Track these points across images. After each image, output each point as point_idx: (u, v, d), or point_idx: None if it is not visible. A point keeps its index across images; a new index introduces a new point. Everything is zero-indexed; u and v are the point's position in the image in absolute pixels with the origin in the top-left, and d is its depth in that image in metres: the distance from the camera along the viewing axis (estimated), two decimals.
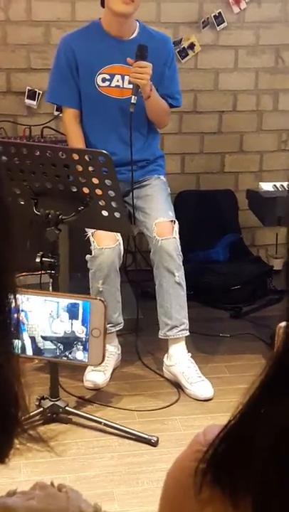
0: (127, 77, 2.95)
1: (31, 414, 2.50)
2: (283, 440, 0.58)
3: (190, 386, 2.87)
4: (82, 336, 1.11)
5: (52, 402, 2.57)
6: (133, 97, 2.84)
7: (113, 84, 2.99)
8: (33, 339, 1.15)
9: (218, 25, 3.86)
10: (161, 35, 3.12)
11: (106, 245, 2.84)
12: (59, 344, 1.13)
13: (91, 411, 2.72)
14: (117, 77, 2.99)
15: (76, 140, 3.02)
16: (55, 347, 1.14)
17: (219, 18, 3.85)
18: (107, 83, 2.99)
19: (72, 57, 2.97)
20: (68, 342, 1.14)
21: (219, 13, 3.84)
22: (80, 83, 2.99)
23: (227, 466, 0.62)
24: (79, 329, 1.10)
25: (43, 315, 1.12)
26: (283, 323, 0.61)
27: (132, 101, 2.84)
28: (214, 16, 3.84)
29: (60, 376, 2.66)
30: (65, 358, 1.13)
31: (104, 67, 2.97)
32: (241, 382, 2.61)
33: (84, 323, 1.11)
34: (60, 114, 3.74)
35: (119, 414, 2.73)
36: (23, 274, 3.20)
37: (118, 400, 2.84)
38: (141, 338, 3.22)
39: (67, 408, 2.60)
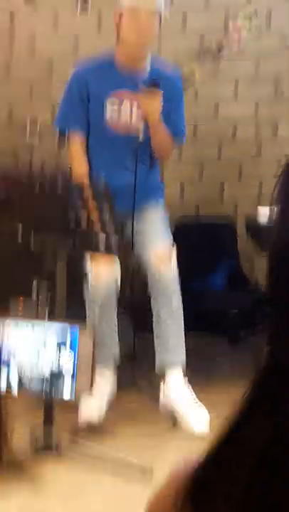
0: (135, 110, 2.99)
1: (24, 444, 2.47)
2: (263, 465, 0.57)
3: (186, 415, 2.86)
4: (70, 364, 1.12)
5: (46, 431, 2.55)
6: (141, 135, 2.89)
7: (122, 111, 3.02)
8: (19, 374, 1.16)
9: (218, 56, 3.91)
10: (172, 73, 3.19)
11: (103, 276, 2.86)
12: (45, 379, 1.14)
13: (85, 442, 2.67)
14: (126, 102, 3.01)
15: (79, 166, 3.04)
16: (41, 381, 1.15)
17: (219, 50, 3.91)
18: (115, 107, 3.01)
19: (85, 88, 3.01)
20: (56, 374, 1.14)
21: (220, 43, 3.90)
22: (89, 113, 3.04)
23: (207, 493, 0.61)
24: (67, 358, 1.10)
25: (30, 350, 1.13)
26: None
27: (140, 140, 2.89)
28: (214, 48, 3.90)
29: (54, 407, 2.62)
30: (53, 392, 1.14)
31: (113, 90, 3.00)
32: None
33: (72, 352, 1.12)
34: (61, 148, 3.79)
35: (113, 445, 2.70)
36: (20, 300, 3.23)
37: (113, 431, 2.81)
38: (137, 368, 3.20)
39: (61, 439, 2.57)
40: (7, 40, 3.72)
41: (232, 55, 3.92)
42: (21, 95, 3.78)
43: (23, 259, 2.96)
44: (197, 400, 2.90)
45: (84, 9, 3.73)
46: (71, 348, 1.09)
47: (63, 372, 1.08)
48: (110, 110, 3.01)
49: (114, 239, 2.52)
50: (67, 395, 1.06)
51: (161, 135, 3.02)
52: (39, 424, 2.54)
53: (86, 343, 1.09)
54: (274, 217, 0.61)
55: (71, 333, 1.07)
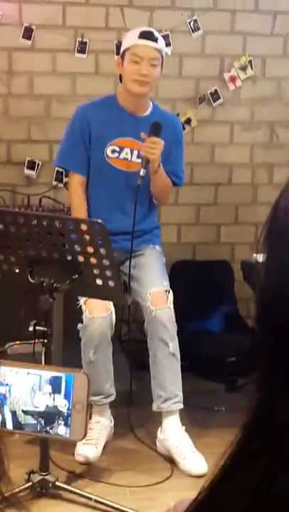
0: (135, 152, 3.01)
1: (20, 488, 2.42)
2: (255, 503, 0.56)
3: (183, 461, 2.80)
4: (64, 410, 1.08)
5: (41, 476, 2.50)
6: (142, 170, 2.89)
7: (122, 156, 3.05)
8: (13, 413, 1.12)
9: (214, 102, 3.97)
10: (172, 117, 3.24)
11: (98, 314, 2.83)
12: (40, 419, 1.11)
13: (81, 486, 2.64)
14: (126, 150, 3.05)
15: (79, 206, 3.05)
16: (36, 422, 1.11)
17: (215, 95, 3.96)
18: (116, 154, 3.05)
19: (87, 126, 3.03)
20: (49, 417, 1.11)
21: (215, 90, 3.96)
22: (90, 152, 3.05)
23: None
24: (61, 403, 1.07)
25: (25, 388, 1.10)
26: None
27: (141, 174, 2.88)
28: (210, 93, 3.96)
29: (51, 449, 2.59)
30: (46, 434, 1.10)
31: (115, 139, 3.03)
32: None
33: (66, 397, 1.08)
34: (59, 185, 3.81)
35: (110, 490, 2.65)
36: (17, 343, 3.18)
37: (109, 475, 2.76)
38: (134, 411, 3.16)
39: (57, 483, 2.52)
40: (6, 78, 3.76)
41: (227, 101, 3.98)
42: (20, 133, 3.81)
43: (19, 300, 2.93)
44: (194, 448, 2.83)
45: (81, 50, 3.79)
46: (65, 396, 1.06)
47: (58, 413, 1.05)
48: (111, 151, 3.03)
49: (111, 285, 2.49)
50: (62, 432, 1.03)
51: (160, 181, 3.04)
52: (35, 465, 2.49)
53: (81, 388, 1.06)
54: (261, 263, 0.60)
55: (66, 381, 1.05)
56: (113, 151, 3.04)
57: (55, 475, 2.55)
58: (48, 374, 1.12)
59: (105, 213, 2.89)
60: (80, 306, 2.89)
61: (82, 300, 2.88)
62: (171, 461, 2.84)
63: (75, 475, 2.73)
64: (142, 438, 3.02)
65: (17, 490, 2.41)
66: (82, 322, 2.87)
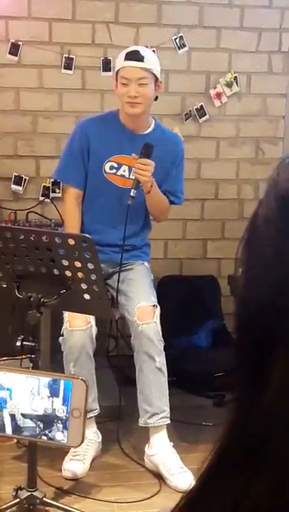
0: (134, 169, 3.02)
1: (7, 505, 2.40)
2: None
3: (171, 477, 2.79)
4: (63, 415, 1.08)
5: (29, 493, 2.47)
6: (132, 190, 2.90)
7: (119, 173, 3.06)
8: (12, 417, 1.11)
9: (200, 118, 3.99)
10: (174, 136, 3.25)
11: (77, 327, 2.83)
12: (39, 422, 1.10)
13: (69, 502, 2.62)
14: (124, 167, 3.06)
15: (72, 218, 3.07)
16: (34, 425, 1.11)
17: (201, 111, 3.99)
18: (114, 171, 3.06)
19: (86, 142, 3.04)
20: (48, 421, 1.10)
21: (201, 106, 3.99)
22: (88, 166, 3.06)
23: None
24: (59, 408, 1.07)
25: (24, 392, 1.09)
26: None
27: (132, 194, 2.89)
28: (196, 109, 3.98)
29: (38, 465, 2.57)
30: (45, 438, 1.09)
31: (114, 155, 3.04)
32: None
33: (64, 402, 1.08)
34: (46, 200, 3.81)
35: (98, 506, 2.63)
36: (4, 359, 3.16)
37: (97, 491, 2.74)
38: (122, 426, 3.14)
39: (44, 499, 2.50)
40: None
41: (213, 117, 4.00)
42: (6, 148, 3.81)
43: (7, 316, 2.91)
44: (182, 464, 2.82)
45: (68, 66, 3.81)
46: (63, 402, 1.06)
47: (56, 417, 1.05)
48: (109, 167, 3.05)
49: (98, 300, 2.49)
50: (60, 438, 1.03)
51: (155, 201, 3.05)
52: (23, 481, 2.47)
53: (79, 395, 1.06)
54: (240, 274, 0.59)
55: (65, 386, 1.04)
56: (111, 168, 3.05)
57: (43, 491, 2.52)
58: (46, 378, 1.12)
59: (97, 225, 2.92)
60: (62, 318, 2.88)
61: (65, 313, 2.87)
62: (159, 476, 2.83)
63: (63, 491, 2.71)
64: (130, 454, 3.01)
65: (4, 506, 2.39)
66: (61, 334, 2.87)
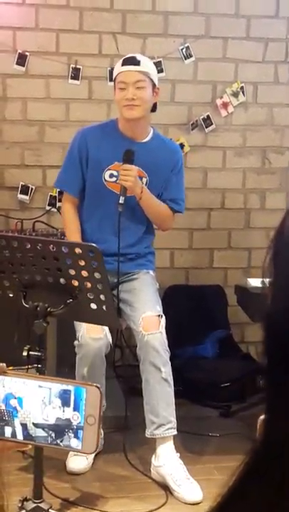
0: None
1: None
2: None
3: (178, 488, 2.77)
4: (75, 422, 1.08)
5: (35, 504, 2.46)
6: (120, 197, 2.91)
7: (119, 181, 3.06)
8: (24, 426, 1.11)
9: (206, 128, 4.00)
10: (173, 144, 3.25)
11: (94, 335, 2.83)
12: (50, 432, 1.09)
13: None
14: None
15: (72, 225, 3.08)
16: (46, 435, 1.10)
17: (208, 121, 4.00)
18: (113, 179, 3.06)
19: (85, 150, 3.06)
20: (60, 430, 1.10)
21: (208, 116, 3.99)
22: (87, 175, 3.07)
23: None
24: (72, 416, 1.06)
25: (35, 401, 1.09)
26: (263, 416, 0.59)
27: (120, 201, 2.91)
28: (203, 119, 3.99)
29: (44, 476, 2.56)
30: (57, 446, 1.09)
31: (113, 163, 3.04)
32: (228, 480, 2.51)
33: (76, 409, 1.07)
34: (52, 209, 3.82)
35: None
36: (10, 368, 3.15)
37: (104, 503, 2.72)
38: (128, 437, 3.13)
39: (50, 511, 2.48)
40: (0, 104, 3.79)
41: (219, 127, 4.01)
42: (13, 158, 3.82)
43: (13, 325, 2.91)
44: (189, 475, 2.80)
45: (75, 77, 3.82)
46: (74, 409, 1.06)
47: (68, 426, 1.05)
48: (109, 175, 3.05)
49: (105, 310, 2.48)
50: (74, 445, 1.02)
51: (149, 207, 3.04)
52: (29, 493, 2.45)
53: (93, 402, 1.06)
54: (266, 286, 0.59)
55: (75, 394, 1.04)
56: (111, 176, 3.05)
57: (49, 502, 2.50)
58: (57, 387, 1.11)
59: (99, 234, 2.92)
60: (75, 325, 2.88)
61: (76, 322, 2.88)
62: (165, 487, 2.81)
63: (69, 502, 2.69)
64: (136, 465, 2.99)
65: None
66: (77, 339, 2.86)
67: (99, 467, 2.97)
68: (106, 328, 2.87)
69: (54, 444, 1.03)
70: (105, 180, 3.05)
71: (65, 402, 1.04)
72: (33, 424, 1.06)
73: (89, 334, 2.83)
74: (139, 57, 3.02)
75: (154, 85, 3.00)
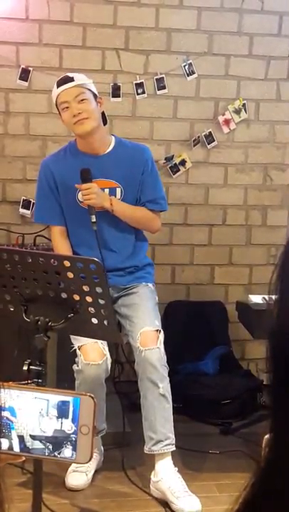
0: (106, 190, 3.02)
1: None
2: None
3: (176, 501, 2.74)
4: (72, 434, 1.07)
5: None
6: (91, 216, 2.93)
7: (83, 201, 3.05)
8: (21, 438, 1.10)
9: (208, 144, 4.01)
10: (137, 146, 3.18)
11: (92, 361, 2.80)
12: (48, 444, 1.08)
13: None
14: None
15: (64, 253, 3.06)
16: (43, 447, 1.09)
17: (210, 138, 4.01)
18: None
19: (52, 178, 3.06)
20: (57, 442, 1.09)
21: (210, 132, 4.00)
22: (62, 201, 3.07)
23: None
24: (69, 427, 1.05)
25: (32, 413, 1.08)
26: (268, 435, 0.58)
27: (93, 220, 2.93)
28: (205, 135, 4.00)
29: (44, 492, 2.53)
30: (54, 458, 1.08)
31: (77, 182, 3.01)
32: (231, 502, 2.49)
33: (74, 421, 1.07)
34: None
35: None
36: (10, 383, 3.14)
37: None
38: (128, 453, 3.11)
39: None
40: (2, 118, 3.80)
41: (221, 143, 4.02)
42: (15, 172, 3.83)
43: (14, 339, 2.90)
44: (188, 488, 2.78)
45: None
46: (73, 421, 1.05)
47: (66, 438, 1.04)
48: (81, 195, 3.02)
49: (106, 324, 2.47)
50: (68, 455, 1.01)
51: (126, 217, 3.03)
52: (27, 509, 2.43)
53: (87, 411, 1.05)
54: (271, 302, 0.58)
55: (74, 405, 1.03)
56: (82, 195, 3.03)
57: None
58: (55, 399, 1.10)
59: (94, 253, 2.87)
60: (75, 350, 2.86)
61: (76, 345, 2.85)
62: (165, 504, 2.79)
63: None
64: (136, 481, 2.96)
65: None
66: (76, 364, 2.84)
67: (98, 483, 2.94)
68: (107, 352, 2.85)
69: (52, 456, 1.02)
70: (79, 201, 3.04)
71: (63, 414, 1.04)
72: (30, 436, 1.05)
73: (88, 360, 2.81)
74: (71, 74, 3.03)
75: (95, 96, 3.00)
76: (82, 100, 2.94)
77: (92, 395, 1.12)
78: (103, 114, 3.07)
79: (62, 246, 3.07)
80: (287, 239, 0.60)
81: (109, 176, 3.02)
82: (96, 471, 2.98)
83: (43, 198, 3.10)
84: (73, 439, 1.08)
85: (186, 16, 3.90)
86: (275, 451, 0.57)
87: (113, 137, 3.13)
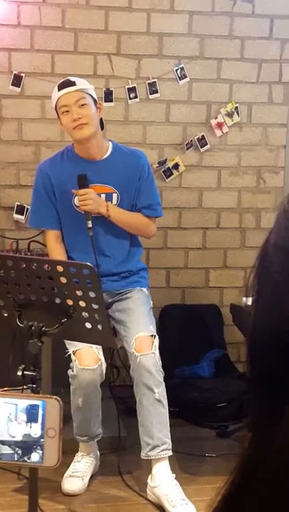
0: (103, 196, 3.02)
1: None
2: None
3: (173, 509, 2.74)
4: (41, 438, 1.06)
5: None
6: (87, 222, 2.93)
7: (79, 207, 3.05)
8: None
9: (201, 147, 4.02)
10: (134, 152, 3.17)
11: (87, 366, 2.80)
12: (17, 449, 1.08)
13: None
14: None
15: (58, 258, 3.06)
16: (13, 452, 1.09)
17: (202, 141, 4.02)
18: None
19: (49, 183, 3.06)
20: (27, 446, 1.08)
21: (202, 136, 4.01)
22: (58, 205, 3.07)
23: None
24: (38, 431, 1.05)
25: (1, 418, 1.08)
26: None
27: (89, 226, 2.93)
28: (198, 139, 4.01)
29: (40, 498, 2.52)
30: (24, 463, 1.08)
31: (74, 187, 3.01)
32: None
33: (43, 425, 1.06)
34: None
35: None
36: (5, 389, 3.13)
37: None
38: (124, 458, 3.10)
39: None
40: None
41: (214, 147, 4.03)
42: (9, 178, 3.84)
43: (8, 345, 2.89)
44: (184, 496, 2.78)
45: None
46: (43, 424, 1.04)
47: (35, 442, 1.03)
48: (76, 200, 3.02)
49: (100, 329, 2.47)
50: (36, 459, 1.01)
51: (122, 222, 3.04)
52: None
53: (53, 414, 1.05)
54: (251, 303, 0.59)
55: (43, 409, 1.03)
56: (79, 200, 3.04)
57: None
58: (24, 403, 1.10)
59: (88, 258, 2.87)
60: (69, 355, 2.86)
61: (71, 350, 2.85)
62: (161, 509, 2.78)
63: None
64: (132, 485, 2.96)
65: None
66: (71, 369, 2.84)
67: (94, 488, 2.94)
68: (102, 357, 2.85)
69: (21, 461, 1.02)
70: (75, 205, 3.04)
71: (32, 418, 1.03)
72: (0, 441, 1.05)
73: (82, 365, 2.80)
74: (72, 78, 3.03)
75: (95, 101, 3.00)
76: (82, 105, 2.94)
77: (58, 398, 1.12)
78: (101, 119, 3.07)
79: (56, 250, 3.07)
80: (264, 240, 0.60)
81: (106, 182, 3.03)
82: (92, 476, 2.97)
83: (38, 202, 3.09)
84: (42, 443, 1.08)
85: (177, 20, 3.91)
86: (253, 448, 0.57)
87: (110, 142, 3.13)
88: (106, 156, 3.08)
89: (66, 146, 3.16)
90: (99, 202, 2.96)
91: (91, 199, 2.93)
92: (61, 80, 3.03)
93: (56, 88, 2.99)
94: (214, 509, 0.57)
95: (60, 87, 2.98)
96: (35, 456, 1.07)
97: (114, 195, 3.05)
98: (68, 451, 2.85)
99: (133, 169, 3.06)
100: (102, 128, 3.08)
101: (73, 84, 2.97)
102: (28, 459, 1.07)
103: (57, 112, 3.00)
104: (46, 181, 3.06)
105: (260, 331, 0.55)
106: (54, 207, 3.07)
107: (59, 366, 3.10)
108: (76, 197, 3.01)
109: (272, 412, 0.53)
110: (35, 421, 1.07)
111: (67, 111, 2.94)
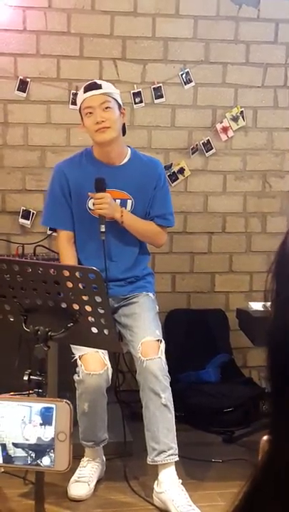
0: (118, 201, 3.02)
1: None
2: None
3: None
4: (47, 440, 1.06)
5: None
6: (101, 226, 2.92)
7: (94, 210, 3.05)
8: (3, 446, 1.09)
9: (206, 152, 4.02)
10: (152, 160, 3.20)
11: (93, 371, 2.79)
12: (30, 452, 1.07)
13: None
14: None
15: (68, 260, 3.05)
16: (26, 454, 1.08)
17: (208, 145, 4.01)
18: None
19: (66, 183, 3.05)
20: (41, 449, 1.08)
21: (208, 140, 4.01)
22: (72, 206, 3.06)
23: None
24: (50, 435, 1.04)
25: (15, 421, 1.07)
26: (266, 437, 0.58)
27: (101, 230, 2.92)
28: (203, 143, 4.01)
29: (46, 503, 2.51)
30: (37, 466, 1.07)
31: (91, 191, 3.01)
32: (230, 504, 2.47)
33: (55, 429, 1.06)
34: (54, 233, 3.81)
35: None
36: (11, 393, 3.13)
37: None
38: (130, 463, 3.09)
39: None
40: (1, 129, 3.81)
41: (220, 151, 4.03)
42: (14, 182, 3.84)
43: (14, 349, 2.89)
44: (191, 501, 2.76)
45: (75, 102, 3.84)
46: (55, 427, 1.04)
47: (49, 445, 1.03)
48: (92, 204, 3.02)
49: (106, 333, 2.46)
50: (47, 463, 1.00)
51: (134, 229, 3.04)
52: None
53: (64, 418, 1.04)
54: (271, 302, 0.58)
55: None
56: (94, 204, 3.04)
57: None
58: (38, 405, 1.09)
59: (95, 262, 2.87)
60: (76, 360, 2.85)
61: (77, 355, 2.85)
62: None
63: None
64: (138, 491, 2.95)
65: None
66: (77, 374, 2.83)
67: (100, 493, 2.93)
68: (108, 362, 2.84)
69: (34, 465, 1.01)
70: (89, 209, 3.04)
71: (47, 421, 1.03)
72: (13, 444, 1.04)
73: (88, 370, 2.80)
74: (99, 81, 3.05)
75: (119, 106, 3.01)
76: (106, 108, 2.95)
77: (68, 402, 1.11)
78: (123, 125, 3.07)
79: (67, 252, 3.07)
80: (282, 240, 0.60)
81: (122, 188, 3.02)
82: (98, 481, 2.97)
83: (53, 201, 3.09)
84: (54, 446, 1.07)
85: (182, 24, 3.92)
86: (274, 456, 0.57)
87: (129, 149, 3.13)
88: (124, 162, 3.08)
89: (85, 148, 3.16)
90: (114, 207, 2.96)
91: (107, 203, 2.93)
92: (88, 82, 3.04)
93: (82, 90, 3.01)
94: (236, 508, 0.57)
95: (86, 89, 2.99)
96: (46, 460, 1.07)
97: (129, 202, 3.05)
98: (74, 456, 2.84)
99: (150, 178, 3.07)
100: (124, 133, 3.08)
101: (99, 87, 2.98)
102: (41, 462, 1.07)
103: (81, 113, 3.01)
104: (63, 181, 3.06)
105: (280, 328, 0.55)
106: (69, 207, 3.06)
107: (64, 371, 3.10)
108: (91, 200, 3.01)
109: None
110: (50, 424, 1.07)
111: (90, 112, 2.95)
